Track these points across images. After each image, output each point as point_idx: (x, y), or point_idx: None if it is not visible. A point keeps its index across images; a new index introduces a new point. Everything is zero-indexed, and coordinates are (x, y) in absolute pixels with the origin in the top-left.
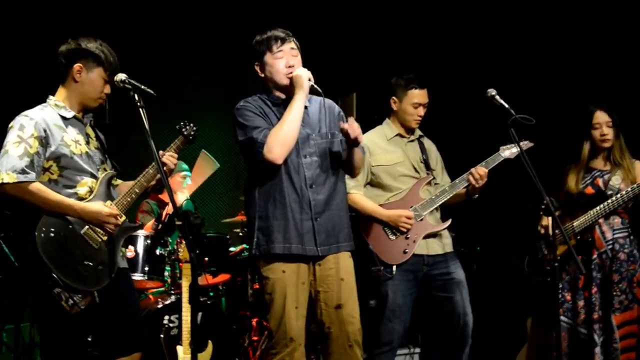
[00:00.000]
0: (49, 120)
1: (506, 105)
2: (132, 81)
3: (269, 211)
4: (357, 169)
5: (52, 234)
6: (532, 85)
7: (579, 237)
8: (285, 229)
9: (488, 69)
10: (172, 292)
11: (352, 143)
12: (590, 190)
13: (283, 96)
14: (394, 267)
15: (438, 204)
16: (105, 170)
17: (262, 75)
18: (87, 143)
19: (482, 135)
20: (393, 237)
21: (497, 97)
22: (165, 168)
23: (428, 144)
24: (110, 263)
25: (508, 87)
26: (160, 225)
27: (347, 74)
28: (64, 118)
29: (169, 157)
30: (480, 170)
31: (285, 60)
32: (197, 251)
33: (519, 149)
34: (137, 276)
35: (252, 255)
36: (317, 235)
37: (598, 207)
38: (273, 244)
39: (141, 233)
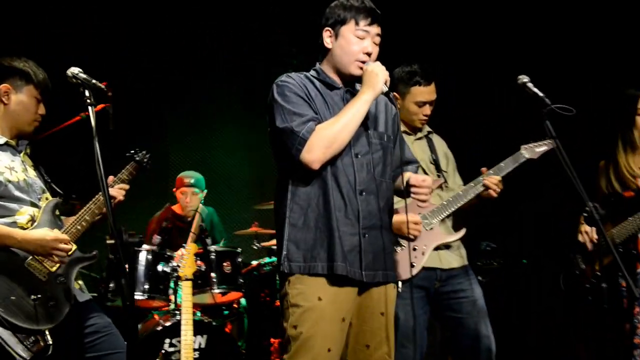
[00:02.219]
0: None
1: (540, 94)
2: (83, 76)
3: (308, 219)
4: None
5: None
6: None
7: (621, 249)
8: (330, 243)
9: (511, 53)
10: (177, 312)
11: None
12: (630, 193)
13: (339, 82)
14: (400, 284)
15: (450, 212)
16: (47, 199)
17: (329, 46)
18: (25, 170)
19: (501, 131)
20: (399, 249)
21: (530, 84)
22: (114, 201)
23: (438, 141)
24: (63, 297)
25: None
26: (162, 240)
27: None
28: None
29: (117, 189)
30: (493, 179)
31: (366, 45)
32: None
33: (548, 146)
34: (137, 295)
35: (282, 273)
36: (364, 255)
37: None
38: (314, 261)
39: (142, 248)
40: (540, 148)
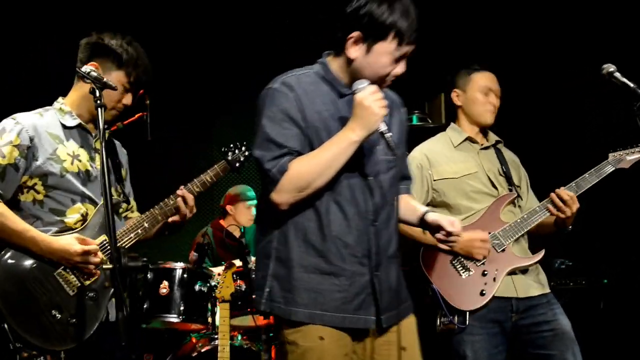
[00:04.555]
0: (43, 127)
1: (631, 85)
2: (95, 74)
3: (292, 253)
4: None
5: (14, 270)
6: None
7: None
8: (319, 288)
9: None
10: (215, 336)
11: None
12: None
13: (349, 86)
14: (467, 315)
15: (524, 231)
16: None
17: (352, 56)
18: (92, 159)
19: (585, 138)
20: (465, 274)
21: (618, 74)
22: (180, 216)
23: (508, 154)
24: (87, 318)
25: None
26: (198, 257)
27: (433, 74)
28: (64, 126)
29: (185, 194)
30: (564, 195)
31: (398, 69)
32: (127, 309)
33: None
34: (171, 317)
35: (262, 312)
36: (380, 297)
37: None
38: (295, 307)
39: (177, 266)
40: (633, 156)
